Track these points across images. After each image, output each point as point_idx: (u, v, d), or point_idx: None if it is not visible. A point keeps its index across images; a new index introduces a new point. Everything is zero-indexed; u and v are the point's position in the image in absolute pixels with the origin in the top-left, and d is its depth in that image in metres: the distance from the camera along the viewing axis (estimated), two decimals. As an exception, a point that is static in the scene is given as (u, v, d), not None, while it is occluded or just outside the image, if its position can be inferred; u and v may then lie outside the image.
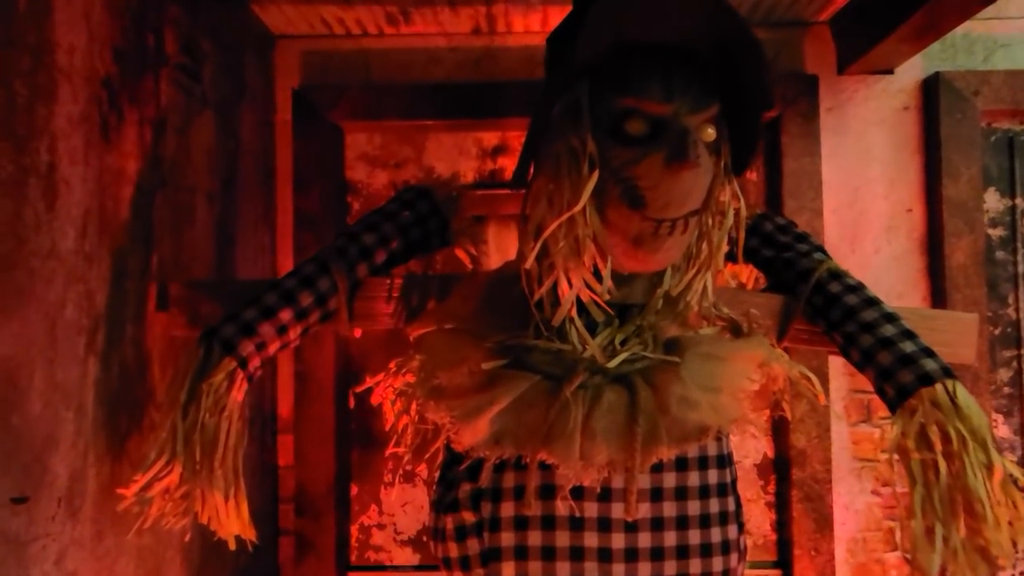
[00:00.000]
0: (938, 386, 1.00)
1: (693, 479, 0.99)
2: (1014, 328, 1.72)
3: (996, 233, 1.74)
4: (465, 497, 1.00)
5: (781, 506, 1.72)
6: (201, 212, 1.36)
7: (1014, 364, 1.72)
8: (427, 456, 1.06)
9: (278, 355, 1.69)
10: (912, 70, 1.75)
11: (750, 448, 1.75)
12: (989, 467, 0.96)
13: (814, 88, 1.71)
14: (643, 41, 0.89)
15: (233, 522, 1.01)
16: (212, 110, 1.41)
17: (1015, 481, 0.97)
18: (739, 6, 1.66)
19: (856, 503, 1.72)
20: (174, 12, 1.26)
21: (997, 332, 1.73)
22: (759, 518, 1.74)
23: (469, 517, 0.99)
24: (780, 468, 1.73)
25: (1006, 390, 1.72)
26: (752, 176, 1.78)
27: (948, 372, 1.01)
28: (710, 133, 0.92)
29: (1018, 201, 1.74)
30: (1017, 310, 1.72)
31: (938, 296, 1.69)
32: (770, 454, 1.75)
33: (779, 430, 1.72)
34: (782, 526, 1.72)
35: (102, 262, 1.04)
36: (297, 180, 1.73)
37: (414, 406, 1.07)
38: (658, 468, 0.97)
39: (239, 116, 1.55)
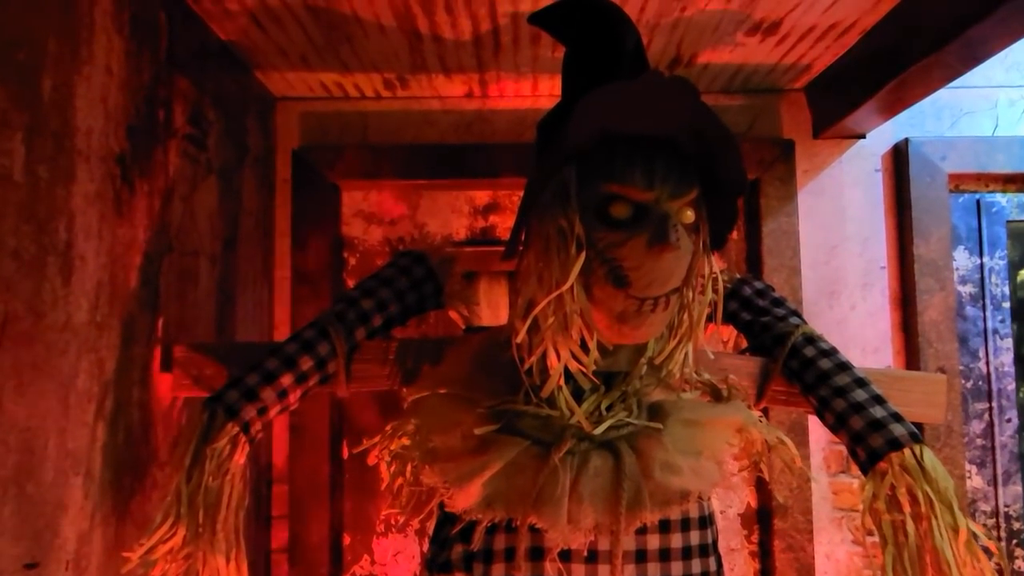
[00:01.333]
0: (907, 450, 1.06)
1: (676, 541, 1.04)
2: (984, 381, 1.79)
3: (966, 290, 1.82)
4: (458, 558, 1.04)
5: (764, 555, 1.76)
6: (204, 273, 1.41)
7: (986, 416, 1.79)
8: (420, 517, 1.11)
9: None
10: (883, 135, 1.84)
11: (734, 499, 1.80)
12: (955, 528, 1.02)
13: (791, 152, 1.80)
14: (627, 130, 0.97)
15: (233, 583, 1.04)
16: (216, 175, 1.47)
17: (978, 540, 1.03)
18: (719, 76, 1.75)
19: (837, 552, 1.76)
20: (183, 85, 1.33)
21: (969, 385, 1.80)
22: (743, 568, 1.78)
23: (462, 578, 1.03)
24: (763, 518, 1.77)
25: (979, 441, 1.79)
26: (734, 236, 1.85)
27: (916, 437, 1.07)
28: (689, 215, 0.99)
29: (985, 259, 1.82)
30: (987, 364, 1.79)
31: (911, 351, 1.76)
32: (753, 504, 1.80)
33: (762, 481, 1.77)
34: (765, 575, 1.76)
35: (112, 330, 1.09)
36: (295, 237, 1.78)
37: (409, 467, 1.12)
38: (642, 531, 1.02)
39: (241, 178, 1.61)
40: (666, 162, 0.97)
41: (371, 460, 1.19)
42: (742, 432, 1.11)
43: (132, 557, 0.99)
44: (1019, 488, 1.76)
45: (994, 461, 1.77)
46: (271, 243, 1.78)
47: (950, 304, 1.75)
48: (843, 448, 1.81)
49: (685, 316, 1.05)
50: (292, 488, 1.73)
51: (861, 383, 1.15)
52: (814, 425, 1.78)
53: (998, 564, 1.07)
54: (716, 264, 1.04)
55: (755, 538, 1.79)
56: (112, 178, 1.09)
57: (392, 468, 1.16)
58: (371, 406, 1.80)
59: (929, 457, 1.06)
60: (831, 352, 1.21)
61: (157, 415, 1.23)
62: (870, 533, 1.76)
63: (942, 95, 1.83)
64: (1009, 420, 1.78)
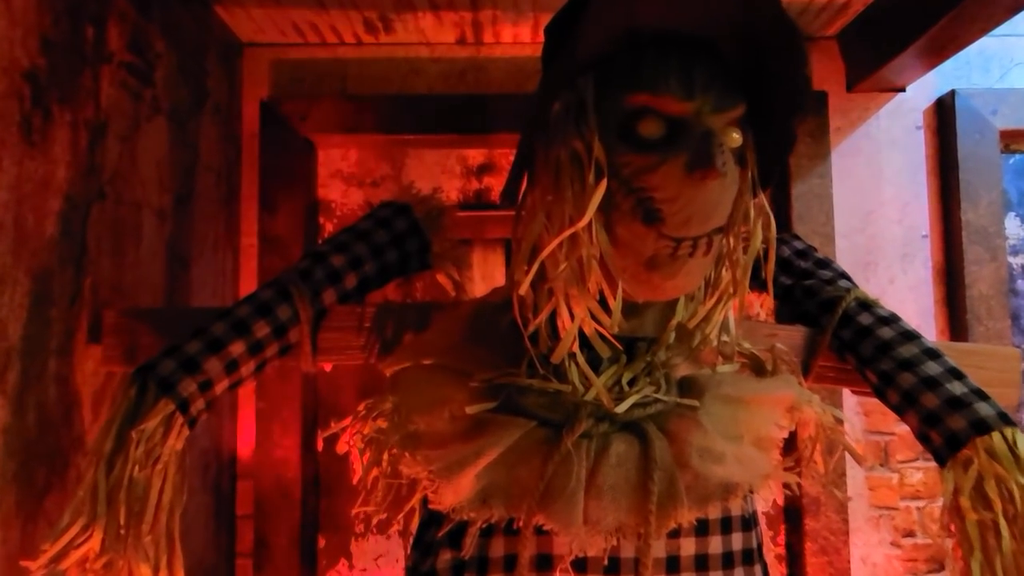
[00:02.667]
0: (995, 434, 0.86)
1: (715, 545, 0.84)
2: (1039, 364, 1.60)
3: (1017, 261, 1.63)
4: (445, 568, 0.83)
5: (793, 559, 1.57)
6: (149, 231, 1.20)
7: (1040, 402, 1.59)
8: (401, 516, 0.90)
9: (238, 391, 1.52)
10: (925, 88, 1.65)
11: (759, 495, 1.60)
12: (1060, 531, 0.83)
13: (823, 105, 1.60)
14: (659, 28, 0.76)
15: (164, 598, 0.84)
16: (166, 118, 1.26)
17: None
18: (743, 17, 1.55)
19: (874, 555, 1.57)
20: (121, 4, 1.12)
21: (1022, 367, 1.60)
22: (769, 573, 1.58)
23: (450, 591, 0.83)
24: (791, 517, 1.58)
25: (1032, 431, 1.59)
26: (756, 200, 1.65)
27: (1006, 418, 0.88)
28: (736, 138, 0.79)
29: (1039, 227, 1.63)
30: (1042, 345, 1.60)
31: (958, 328, 1.57)
32: (780, 501, 1.60)
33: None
34: (794, 581, 1.56)
35: (17, 286, 0.89)
36: (264, 198, 1.58)
37: (386, 456, 0.91)
38: (675, 533, 0.81)
39: (198, 127, 1.40)
40: (708, 67, 0.77)
41: (341, 447, 0.98)
42: (793, 412, 0.91)
43: (32, 567, 0.79)
44: (1077, 483, 1.57)
45: (1049, 453, 1.58)
46: (236, 204, 1.58)
47: (1002, 276, 1.56)
48: (881, 439, 1.62)
49: (725, 269, 0.85)
50: (259, 484, 1.53)
51: (933, 354, 0.96)
52: (849, 412, 1.58)
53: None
54: (767, 203, 0.84)
55: (782, 539, 1.60)
56: (20, 98, 0.88)
57: (366, 457, 0.95)
58: (352, 387, 1.60)
59: (1024, 443, 0.86)
60: (892, 319, 1.02)
61: (83, 394, 1.03)
62: (909, 534, 1.57)
63: (990, 44, 1.65)
64: (1066, 408, 1.59)
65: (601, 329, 0.79)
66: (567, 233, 0.75)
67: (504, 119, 1.58)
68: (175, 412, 0.87)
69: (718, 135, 0.74)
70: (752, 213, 0.83)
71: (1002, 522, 0.84)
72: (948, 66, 1.63)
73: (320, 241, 1.64)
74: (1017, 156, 1.65)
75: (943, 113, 1.62)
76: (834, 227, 1.59)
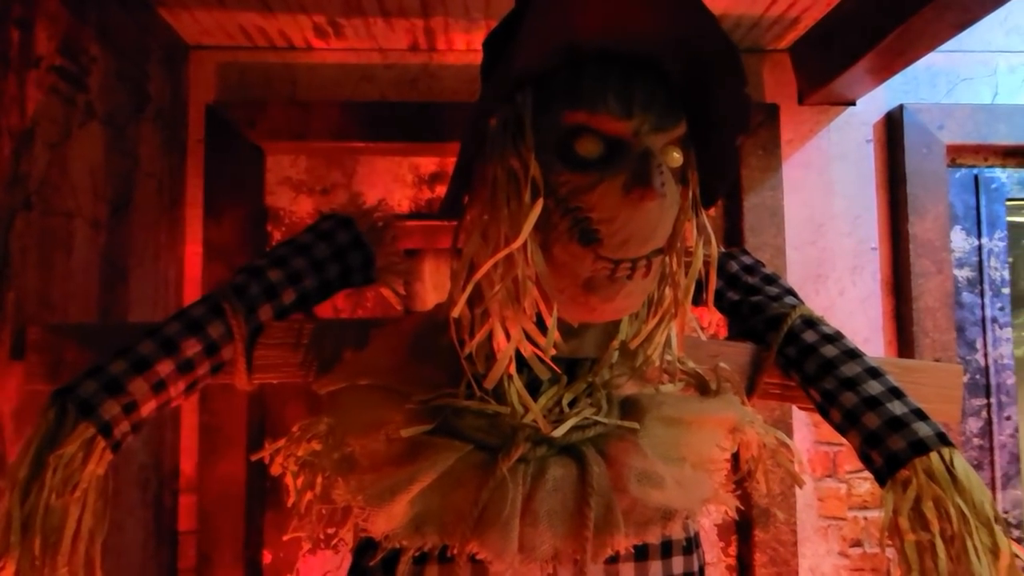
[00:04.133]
0: (934, 455, 0.86)
1: (655, 570, 0.83)
2: (982, 375, 1.63)
3: (963, 274, 1.65)
4: (379, 596, 0.81)
5: (743, 569, 1.57)
6: (82, 241, 1.16)
7: (983, 414, 1.62)
8: (335, 542, 0.88)
9: (181, 405, 1.48)
10: (875, 102, 1.67)
11: (710, 507, 1.60)
12: (995, 551, 0.83)
13: (775, 117, 1.61)
14: (599, 45, 0.75)
15: (82, 633, 0.80)
16: (101, 124, 1.22)
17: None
18: (697, 28, 1.55)
19: (823, 565, 1.58)
20: (51, 6, 1.07)
21: (966, 379, 1.63)
22: (719, 584, 1.59)
23: (383, 621, 0.81)
24: (742, 529, 1.58)
25: (976, 441, 1.62)
26: (711, 212, 1.65)
27: (944, 439, 0.88)
28: (676, 157, 0.78)
29: (984, 241, 1.65)
30: (986, 356, 1.63)
31: (905, 341, 1.59)
32: (732, 514, 1.60)
33: (740, 487, 1.57)
34: (744, 593, 1.57)
35: (-73, 302, 0.84)
36: (209, 205, 1.53)
37: (319, 479, 0.88)
38: (614, 559, 0.80)
39: (138, 132, 1.35)
40: (648, 85, 0.75)
41: (275, 469, 0.95)
42: (735, 433, 0.91)
43: (-62, 603, 0.75)
44: (1019, 493, 1.60)
45: (992, 463, 1.61)
46: (180, 212, 1.53)
47: (947, 289, 1.58)
48: (830, 449, 1.63)
49: (668, 289, 0.84)
50: (202, 498, 1.48)
51: (875, 373, 0.96)
52: (798, 423, 1.59)
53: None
54: (708, 222, 0.83)
55: (733, 551, 1.60)
56: (-69, 103, 0.84)
57: (300, 480, 0.92)
58: (299, 401, 1.56)
59: (961, 463, 0.87)
60: (836, 337, 1.02)
61: (3, 413, 0.98)
62: (857, 544, 1.58)
63: (937, 60, 1.67)
64: (1009, 418, 1.61)
65: (537, 351, 0.78)
66: (502, 254, 0.74)
67: (457, 128, 1.56)
68: (96, 436, 0.83)
69: (657, 155, 0.73)
70: (694, 233, 0.83)
71: (939, 543, 0.83)
72: (897, 81, 1.65)
73: (267, 249, 1.60)
74: (963, 170, 1.67)
75: (892, 127, 1.64)
76: (785, 239, 1.60)
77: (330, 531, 1.49)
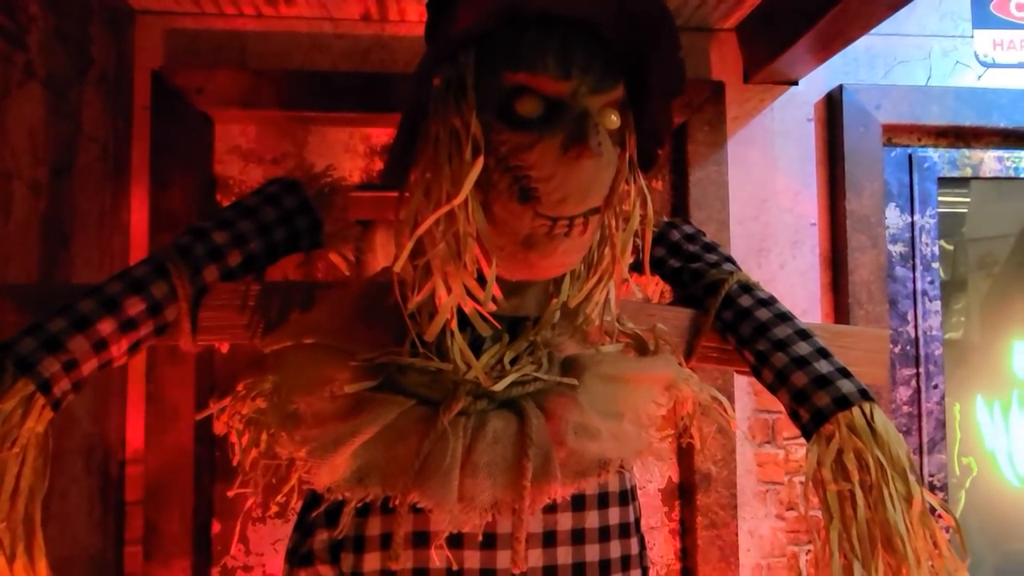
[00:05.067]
0: (856, 410, 0.91)
1: (592, 520, 0.86)
2: (913, 346, 1.71)
3: (896, 249, 1.72)
4: (322, 548, 0.83)
5: (685, 533, 1.63)
6: (21, 203, 1.13)
7: (913, 383, 1.70)
8: (280, 498, 0.89)
9: (127, 373, 1.47)
10: (816, 82, 1.72)
11: (654, 473, 1.65)
12: (908, 498, 0.88)
13: (720, 95, 1.65)
14: (541, 8, 0.77)
15: (22, 587, 0.80)
16: (41, 85, 1.19)
17: (934, 513, 0.90)
18: (646, 5, 1.57)
19: (761, 528, 1.64)
20: (-15, -39, 1.05)
21: (897, 350, 1.71)
22: (663, 547, 1.64)
23: (326, 572, 0.83)
24: (684, 494, 1.63)
25: (905, 409, 1.70)
26: (658, 185, 1.69)
27: (866, 395, 0.93)
28: (614, 120, 0.80)
29: (916, 217, 1.72)
30: (916, 327, 1.71)
31: (841, 312, 1.66)
32: (675, 479, 1.66)
33: (684, 453, 1.63)
34: (686, 554, 1.62)
35: None
36: (155, 173, 1.51)
37: (264, 437, 0.90)
38: (551, 508, 0.83)
39: (81, 96, 1.33)
40: (588, 48, 0.78)
41: (219, 429, 0.96)
42: (671, 390, 0.94)
43: None
44: (943, 457, 1.69)
45: (920, 429, 1.69)
46: (125, 179, 1.50)
47: (881, 263, 1.65)
48: (769, 417, 1.69)
49: (606, 249, 0.86)
50: (149, 469, 1.47)
51: (804, 335, 1.00)
52: (740, 391, 1.65)
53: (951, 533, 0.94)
54: (645, 184, 0.86)
55: (676, 515, 1.65)
56: None
57: (244, 438, 0.93)
58: (254, 369, 1.56)
59: (881, 418, 0.92)
60: (770, 301, 1.06)
61: (-60, 374, 0.96)
62: (792, 507, 1.65)
63: (875, 42, 1.73)
64: (936, 387, 1.70)
65: (480, 308, 0.80)
66: (444, 210, 0.75)
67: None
68: (35, 393, 0.82)
69: (595, 115, 0.76)
70: (633, 194, 0.85)
71: (858, 492, 0.88)
72: (837, 62, 1.71)
73: (215, 217, 1.59)
74: (898, 150, 1.74)
75: (831, 107, 1.69)
76: (729, 214, 1.64)
77: (280, 500, 1.50)
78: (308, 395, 0.84)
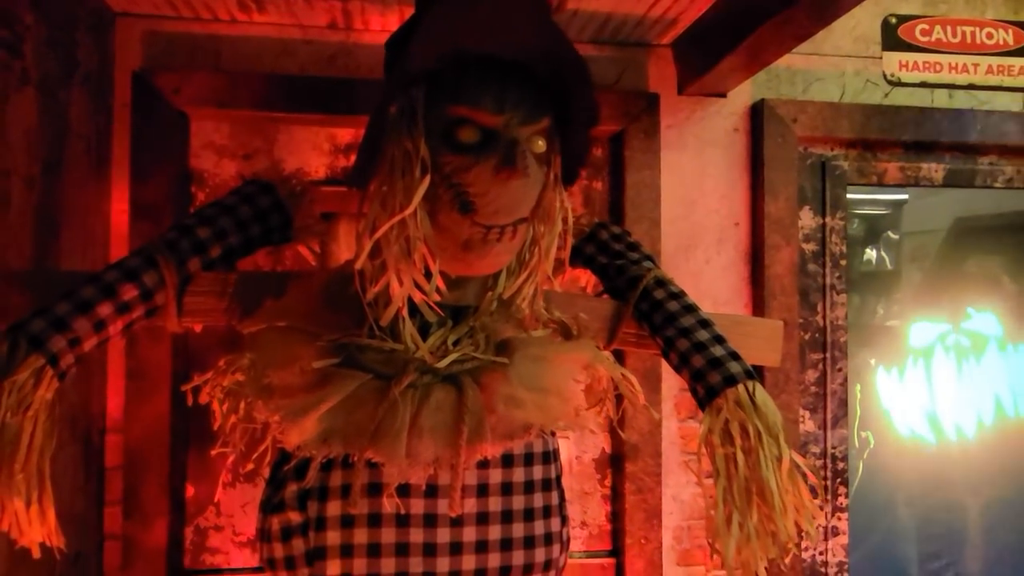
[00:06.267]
0: (741, 387, 1.09)
1: (518, 475, 1.04)
2: (821, 334, 1.92)
3: (809, 247, 1.92)
4: (291, 497, 0.99)
5: (616, 498, 1.82)
6: (17, 197, 1.26)
7: (820, 366, 1.91)
8: (256, 456, 1.05)
9: (107, 352, 1.60)
10: (742, 95, 1.90)
11: (589, 444, 1.84)
12: (780, 459, 1.07)
13: (655, 106, 1.82)
14: (480, 52, 0.93)
15: (36, 529, 0.95)
16: (35, 88, 1.31)
17: (801, 472, 1.09)
18: (588, 24, 1.74)
19: (683, 494, 1.85)
20: (-11, -21, 1.16)
21: (807, 337, 1.91)
22: (596, 510, 1.83)
23: (295, 517, 0.99)
24: (615, 463, 1.83)
25: (813, 389, 1.91)
26: (598, 186, 1.87)
27: (750, 374, 1.11)
28: (540, 145, 0.97)
29: (828, 219, 1.93)
30: (824, 317, 1.91)
31: (758, 303, 1.85)
32: (608, 450, 1.85)
33: (615, 427, 1.82)
34: (616, 517, 1.82)
35: None
36: (135, 167, 1.64)
37: (243, 405, 1.05)
38: (484, 464, 1.01)
39: (69, 96, 1.45)
40: (519, 87, 0.94)
41: (203, 398, 1.11)
42: (589, 368, 1.12)
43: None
44: (844, 431, 1.91)
45: (825, 407, 1.90)
46: (107, 172, 1.62)
47: (794, 260, 1.85)
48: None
49: (535, 250, 1.04)
50: (128, 437, 1.61)
51: (704, 324, 1.18)
52: (667, 373, 1.84)
53: (815, 488, 1.14)
54: (567, 198, 1.03)
55: (608, 482, 1.84)
56: None
57: (225, 406, 1.09)
58: (220, 347, 1.70)
59: (761, 393, 1.10)
60: (679, 295, 1.24)
61: (-47, 349, 1.09)
62: (710, 476, 1.86)
63: (796, 61, 1.92)
64: (840, 369, 1.91)
65: (426, 298, 0.96)
66: (397, 218, 0.92)
67: (371, 102, 1.69)
68: (45, 365, 0.97)
69: (522, 143, 0.92)
70: (557, 204, 1.03)
71: (739, 455, 1.07)
72: (762, 78, 1.90)
73: (191, 210, 1.72)
74: (812, 158, 1.94)
75: (755, 119, 1.88)
76: (661, 213, 1.82)
77: (252, 467, 1.65)
78: (280, 370, 0.99)
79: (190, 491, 1.69)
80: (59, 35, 1.40)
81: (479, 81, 0.93)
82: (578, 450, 1.83)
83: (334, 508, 0.98)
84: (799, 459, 1.09)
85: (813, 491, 1.11)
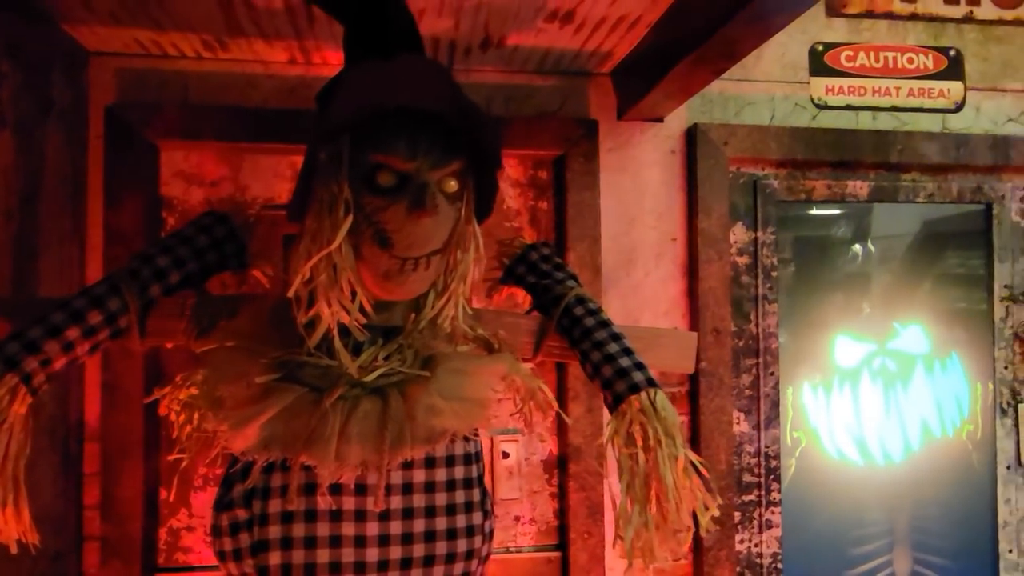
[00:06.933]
0: (643, 394, 1.23)
1: (440, 475, 1.17)
2: (754, 341, 2.05)
3: (742, 261, 2.06)
4: (238, 496, 1.13)
5: (561, 496, 1.96)
6: (-2, 229, 1.39)
7: (753, 370, 2.05)
8: (207, 462, 1.18)
9: (85, 367, 1.73)
10: (679, 120, 2.04)
11: (537, 447, 1.97)
12: (676, 457, 1.21)
13: (594, 131, 1.96)
14: (394, 106, 1.07)
15: (12, 527, 1.08)
16: (12, 130, 1.44)
17: (696, 468, 1.22)
18: (530, 57, 1.88)
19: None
20: (-31, 35, 1.30)
21: (741, 344, 2.05)
22: (544, 508, 1.97)
23: (242, 514, 1.12)
24: (561, 464, 1.96)
25: (747, 392, 2.05)
26: (544, 206, 2.00)
27: (652, 382, 1.25)
28: (452, 185, 1.11)
29: (759, 234, 2.07)
30: (757, 325, 2.05)
31: (694, 314, 1.99)
32: (555, 452, 1.98)
33: (562, 431, 1.95)
34: (562, 514, 1.95)
35: None
36: (108, 196, 1.77)
37: (196, 416, 1.19)
38: (409, 466, 1.14)
39: (44, 134, 1.58)
40: (431, 136, 1.08)
41: (161, 410, 1.25)
42: (506, 379, 1.26)
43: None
44: (777, 432, 2.05)
45: (759, 409, 2.04)
46: (82, 202, 1.76)
47: (726, 273, 1.98)
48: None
49: (453, 276, 1.18)
50: (104, 445, 1.74)
51: (615, 337, 1.32)
52: (608, 379, 1.97)
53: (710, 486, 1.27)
54: (478, 230, 1.17)
55: (555, 481, 1.98)
56: None
57: (181, 417, 1.23)
58: (190, 363, 1.83)
59: (661, 399, 1.24)
60: (596, 311, 1.38)
61: (-62, 370, 1.22)
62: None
63: (729, 87, 2.06)
64: (772, 373, 2.05)
65: (353, 321, 1.10)
66: (324, 252, 1.06)
67: (330, 131, 1.84)
68: (19, 384, 1.10)
69: (433, 185, 1.06)
70: (471, 236, 1.17)
71: (640, 454, 1.20)
72: (697, 102, 2.04)
73: (162, 234, 1.85)
74: (745, 177, 2.08)
75: (690, 141, 2.02)
76: (601, 231, 1.96)
77: (218, 472, 1.77)
78: (229, 384, 1.13)
79: (163, 494, 1.82)
80: (35, 78, 1.54)
81: (394, 131, 1.07)
82: (527, 452, 1.97)
83: (275, 505, 1.11)
84: (694, 457, 1.22)
85: (708, 486, 1.24)
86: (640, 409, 1.23)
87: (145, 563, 1.76)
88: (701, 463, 1.24)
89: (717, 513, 1.25)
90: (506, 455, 1.94)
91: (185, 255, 1.29)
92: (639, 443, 1.21)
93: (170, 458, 1.24)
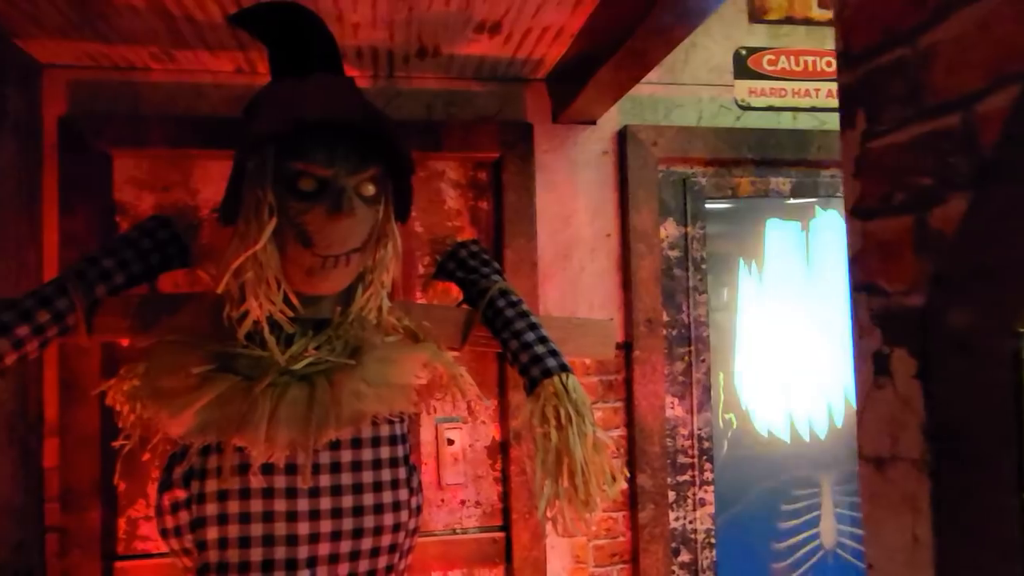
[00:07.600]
0: (556, 378, 1.34)
1: (367, 455, 1.28)
2: (686, 330, 2.18)
3: (674, 254, 2.19)
4: (178, 477, 1.23)
5: (504, 480, 2.07)
6: (-47, 235, 1.48)
7: (686, 358, 2.17)
8: (150, 447, 1.28)
9: (43, 363, 1.82)
10: (611, 122, 2.15)
11: (481, 434, 2.08)
12: (585, 435, 1.32)
13: (530, 135, 2.07)
14: (313, 119, 1.17)
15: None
16: (-35, 140, 1.53)
17: (606, 445, 1.34)
18: (467, 65, 1.98)
19: (566, 475, 2.09)
20: (-79, 54, 1.38)
21: (674, 333, 2.18)
22: (488, 491, 2.08)
23: (181, 494, 1.22)
24: (504, 449, 2.07)
25: (680, 379, 2.17)
26: (484, 206, 2.11)
27: (564, 367, 1.36)
28: (370, 189, 1.22)
29: (689, 229, 2.19)
30: (688, 315, 2.18)
31: (628, 305, 2.11)
32: (497, 437, 2.09)
33: (504, 417, 2.06)
34: (505, 496, 2.06)
35: None
36: (63, 202, 1.85)
37: (139, 405, 1.28)
38: (336, 446, 1.25)
39: (0, 143, 1.66)
40: (349, 145, 1.19)
41: (108, 400, 1.34)
42: (428, 366, 1.36)
43: None
44: (709, 415, 2.17)
45: (691, 394, 2.17)
46: (38, 208, 1.84)
47: (657, 266, 2.10)
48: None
49: (375, 272, 1.29)
50: (64, 440, 1.83)
51: (533, 327, 1.43)
52: (547, 369, 2.08)
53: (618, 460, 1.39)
54: (396, 230, 1.28)
55: (498, 466, 2.09)
56: None
57: (126, 408, 1.32)
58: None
59: (573, 382, 1.35)
60: (517, 303, 1.49)
61: None
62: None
63: (658, 90, 2.18)
64: (703, 360, 2.17)
65: (279, 314, 1.21)
66: (250, 252, 1.16)
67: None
68: (-28, 377, 1.20)
69: (350, 190, 1.17)
70: (390, 235, 1.28)
71: (552, 433, 1.32)
72: (627, 105, 2.16)
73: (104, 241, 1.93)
74: (675, 176, 2.20)
75: (621, 142, 2.13)
76: (538, 228, 2.07)
77: (146, 457, 1.86)
78: (169, 375, 1.23)
79: (122, 486, 1.91)
80: (-12, 93, 1.62)
81: (314, 141, 1.18)
82: (471, 439, 2.08)
83: (211, 485, 1.21)
84: (604, 435, 1.34)
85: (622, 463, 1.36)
86: (553, 392, 1.34)
87: (104, 551, 1.85)
88: (610, 439, 1.35)
89: (624, 485, 1.37)
90: (451, 442, 2.04)
91: (129, 257, 1.38)
92: (552, 423, 1.33)
93: (115, 444, 1.33)
